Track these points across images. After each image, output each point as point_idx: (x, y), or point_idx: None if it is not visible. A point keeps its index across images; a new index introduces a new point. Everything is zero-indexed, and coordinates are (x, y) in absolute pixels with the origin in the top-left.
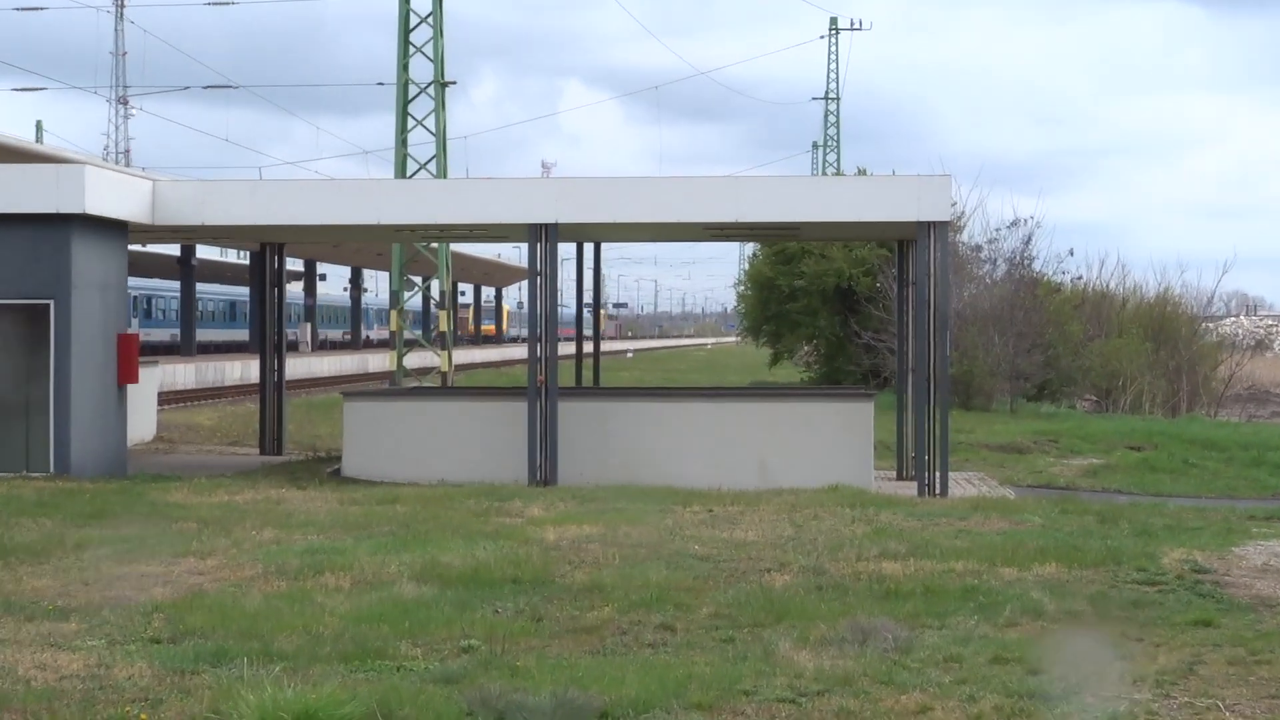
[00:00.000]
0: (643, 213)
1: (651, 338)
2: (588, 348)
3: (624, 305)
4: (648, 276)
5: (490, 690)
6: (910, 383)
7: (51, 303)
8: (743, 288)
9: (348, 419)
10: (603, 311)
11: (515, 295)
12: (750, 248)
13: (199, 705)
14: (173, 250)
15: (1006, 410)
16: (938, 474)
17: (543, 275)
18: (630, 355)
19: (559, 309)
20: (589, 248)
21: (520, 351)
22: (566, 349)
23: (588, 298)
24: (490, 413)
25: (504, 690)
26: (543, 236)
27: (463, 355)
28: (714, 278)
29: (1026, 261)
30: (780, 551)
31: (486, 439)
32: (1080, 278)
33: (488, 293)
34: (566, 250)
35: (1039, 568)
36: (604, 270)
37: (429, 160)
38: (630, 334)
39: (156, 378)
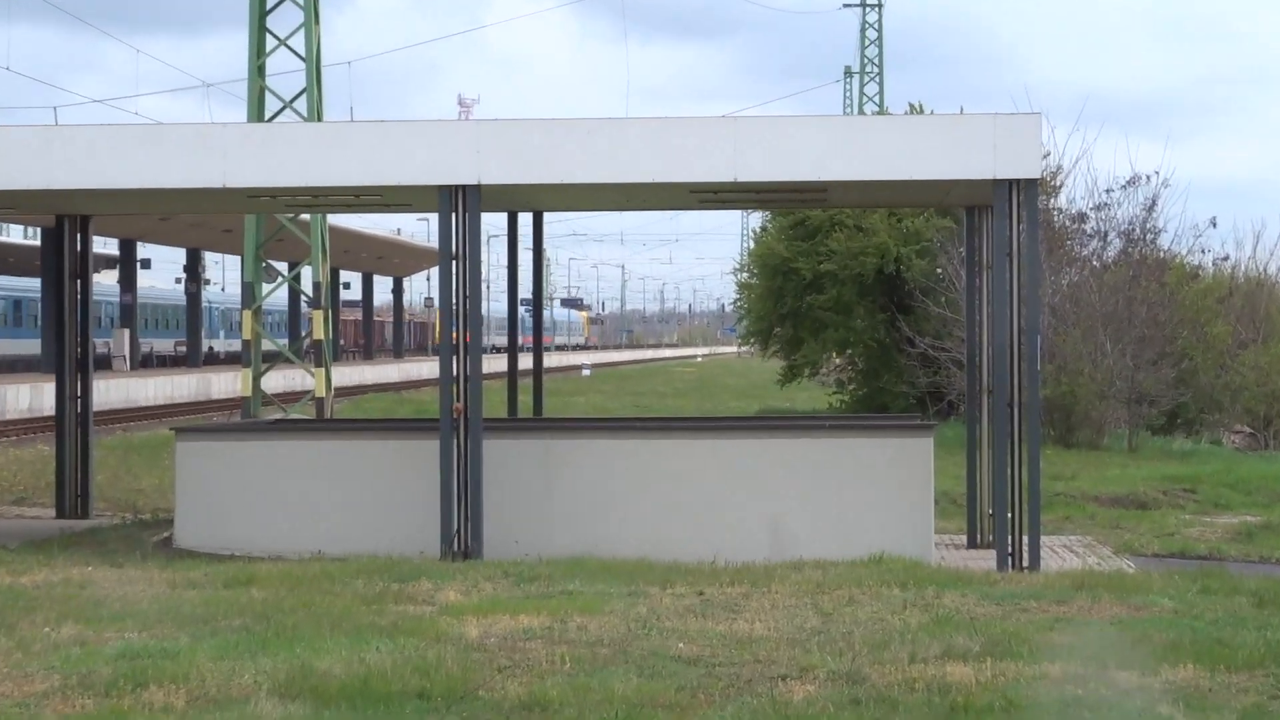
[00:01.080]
0: (602, 169)
1: (617, 347)
2: (525, 362)
3: (577, 301)
4: (611, 260)
5: None
6: (986, 409)
7: None
8: (746, 275)
9: (182, 466)
10: (584, 314)
11: (422, 287)
12: (756, 218)
13: None
14: None
15: (1123, 447)
16: (1025, 539)
17: (459, 258)
18: (586, 373)
19: (517, 306)
20: (526, 219)
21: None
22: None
23: (526, 291)
24: (387, 456)
25: None
26: (459, 203)
27: (348, 374)
28: (705, 262)
29: (1150, 236)
30: (801, 651)
31: (382, 493)
32: (1226, 258)
33: (383, 286)
34: (496, 224)
35: (1170, 671)
36: (548, 252)
37: (297, 96)
38: (594, 343)
39: None
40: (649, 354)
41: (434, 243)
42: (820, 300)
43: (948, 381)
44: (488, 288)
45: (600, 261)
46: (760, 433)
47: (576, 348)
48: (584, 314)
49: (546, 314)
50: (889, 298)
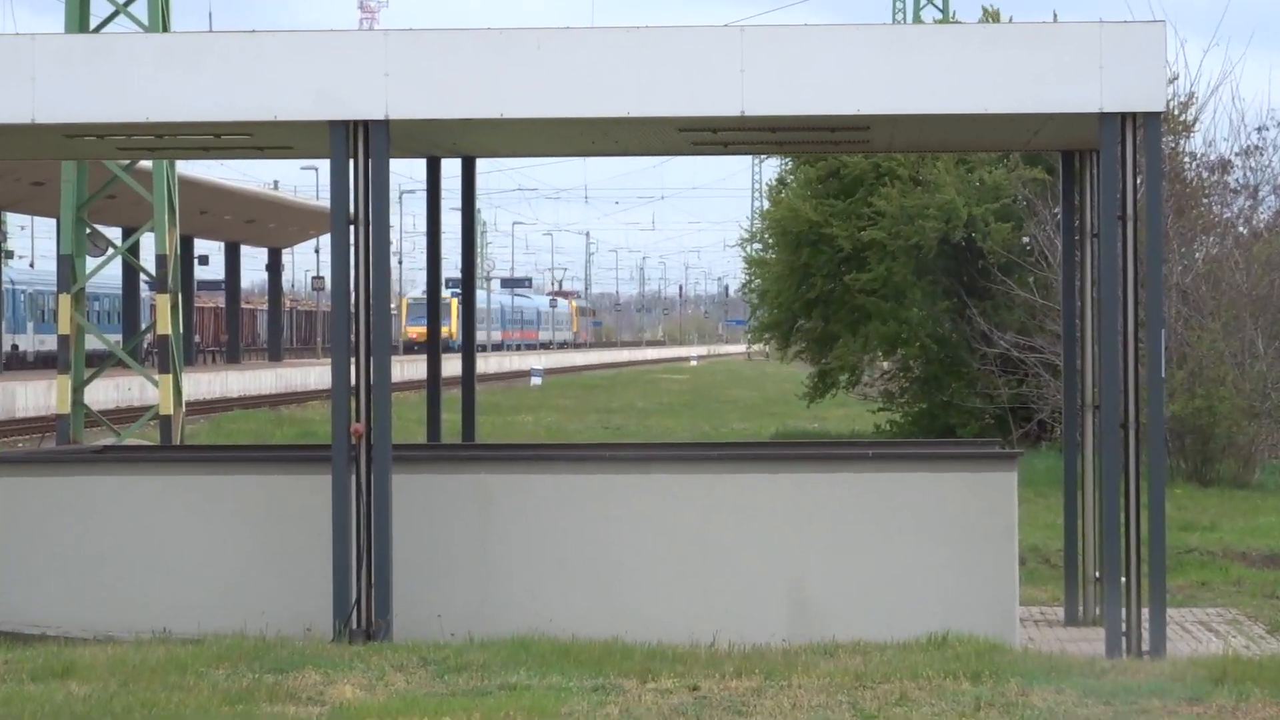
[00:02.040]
0: (557, 98)
1: (577, 348)
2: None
3: (525, 282)
4: (571, 225)
5: None
6: (1091, 431)
7: None
8: (758, 246)
9: None
10: (573, 302)
11: (309, 263)
12: (771, 166)
13: None
14: None
15: None
16: (1146, 612)
17: (360, 222)
18: (538, 381)
19: (440, 287)
20: (453, 168)
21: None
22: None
23: (453, 270)
24: (260, 497)
25: None
26: (359, 145)
27: (206, 383)
28: (701, 228)
29: None
30: None
31: (253, 548)
32: None
33: (255, 260)
34: (412, 174)
35: None
36: (485, 214)
37: None
38: (585, 340)
39: None
40: (625, 355)
41: (325, 201)
42: (862, 281)
43: (1037, 393)
44: (400, 263)
45: (557, 227)
46: (777, 464)
47: (564, 345)
48: (572, 303)
49: (529, 303)
50: (957, 278)
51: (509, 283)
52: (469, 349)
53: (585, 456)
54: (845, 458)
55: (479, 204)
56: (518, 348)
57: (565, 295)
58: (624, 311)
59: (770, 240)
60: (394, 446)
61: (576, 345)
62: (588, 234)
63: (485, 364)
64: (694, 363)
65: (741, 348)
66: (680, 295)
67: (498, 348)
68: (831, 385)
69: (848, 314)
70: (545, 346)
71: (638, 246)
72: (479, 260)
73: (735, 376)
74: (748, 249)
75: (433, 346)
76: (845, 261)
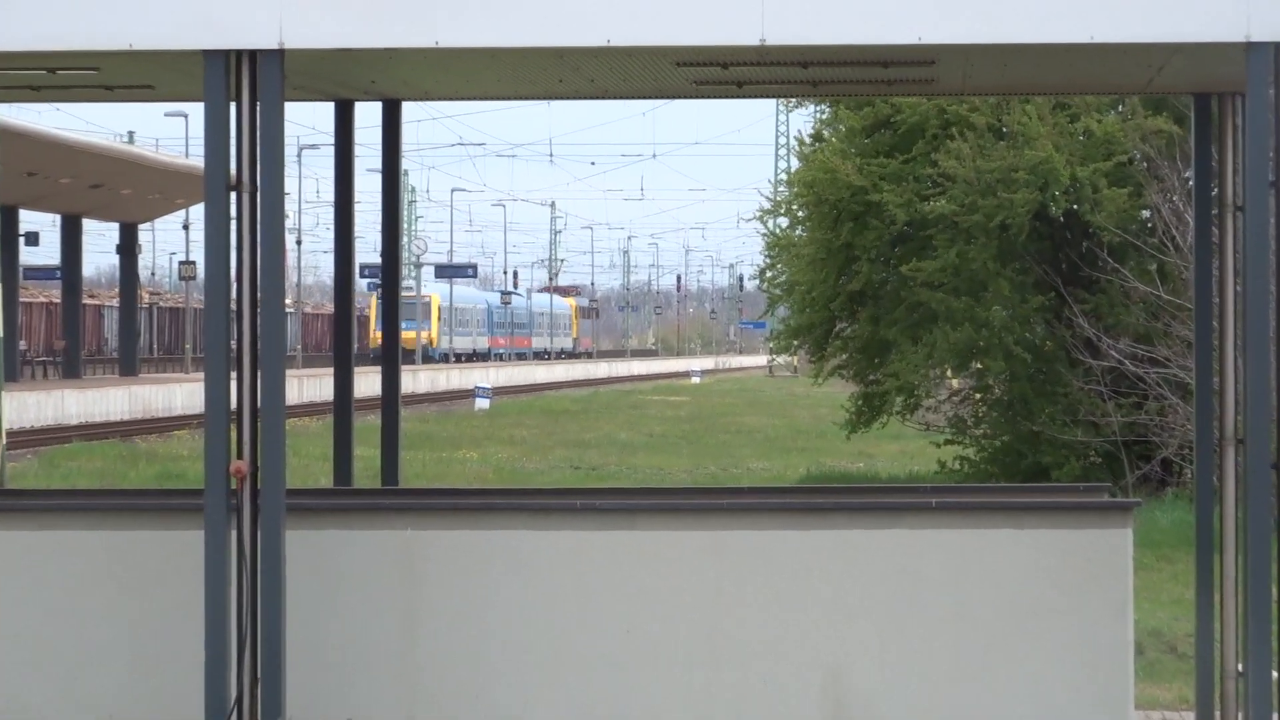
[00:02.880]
0: (510, 23)
1: (576, 358)
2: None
3: (467, 270)
4: (531, 192)
5: None
6: (1233, 473)
7: None
8: (783, 220)
9: None
10: (572, 300)
11: (174, 243)
12: (803, 116)
13: None
14: None
15: None
16: None
17: (243, 186)
18: (484, 404)
19: (352, 274)
20: (369, 114)
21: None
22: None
23: (371, 253)
24: (108, 558)
25: None
26: (242, 82)
27: (36, 405)
28: (705, 197)
29: None
30: None
31: (97, 628)
32: None
33: (102, 239)
34: (314, 121)
35: None
36: (414, 175)
37: None
38: (588, 348)
39: None
40: (602, 368)
41: (196, 159)
42: (926, 271)
43: (1160, 422)
44: (298, 243)
45: (510, 196)
46: (808, 517)
47: (561, 354)
48: (571, 302)
49: (520, 303)
50: (1053, 265)
51: (446, 271)
52: (391, 361)
53: (548, 507)
54: (900, 509)
55: (406, 164)
56: (500, 357)
57: (563, 292)
58: (602, 309)
59: (800, 213)
60: (289, 492)
61: (575, 355)
62: (553, 205)
63: (413, 382)
64: (696, 380)
65: (761, 360)
66: (679, 287)
67: (483, 357)
68: (881, 411)
69: (904, 314)
70: (543, 357)
71: (620, 222)
72: (405, 239)
73: (752, 399)
74: (769, 224)
75: (341, 355)
76: (901, 242)
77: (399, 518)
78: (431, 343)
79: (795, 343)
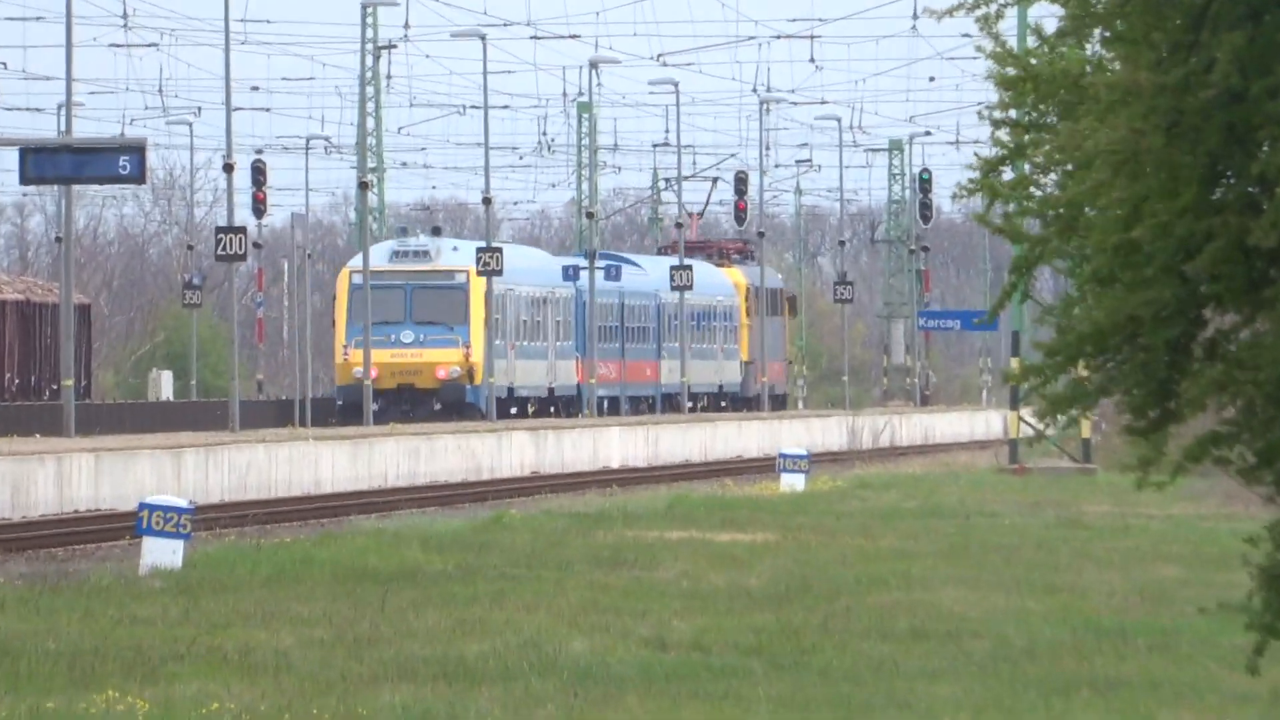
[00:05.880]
0: None
1: (741, 407)
2: None
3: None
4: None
5: None
6: None
7: None
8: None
9: None
10: (736, 271)
11: None
12: None
13: None
14: None
15: None
16: None
17: None
18: (173, 560)
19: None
20: None
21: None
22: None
23: None
24: None
25: None
26: None
27: None
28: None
29: None
30: None
31: None
32: None
33: None
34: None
35: None
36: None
37: None
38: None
39: None
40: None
41: None
42: None
43: None
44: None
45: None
46: None
47: (734, 401)
48: (735, 275)
49: (643, 284)
50: None
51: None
52: None
53: None
54: None
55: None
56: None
57: (708, 248)
58: (601, 306)
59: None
60: None
61: (746, 399)
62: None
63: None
64: (791, 485)
65: (981, 423)
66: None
67: (569, 404)
68: None
69: None
70: (696, 406)
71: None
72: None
73: (958, 541)
74: (999, 70)
75: None
76: None
77: None
78: (471, 376)
79: (1056, 365)
